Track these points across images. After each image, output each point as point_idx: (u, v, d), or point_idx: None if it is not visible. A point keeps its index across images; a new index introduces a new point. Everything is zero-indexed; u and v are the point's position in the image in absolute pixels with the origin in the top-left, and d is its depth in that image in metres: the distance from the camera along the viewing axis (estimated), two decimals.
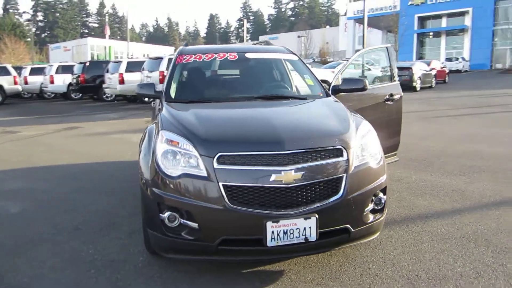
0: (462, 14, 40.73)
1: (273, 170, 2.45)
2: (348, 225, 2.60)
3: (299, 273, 2.78)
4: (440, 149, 6.75)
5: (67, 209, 4.21)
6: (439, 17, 42.59)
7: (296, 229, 2.45)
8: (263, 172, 2.46)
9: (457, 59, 36.58)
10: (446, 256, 2.95)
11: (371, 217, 2.73)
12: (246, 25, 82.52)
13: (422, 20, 43.57)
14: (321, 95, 3.73)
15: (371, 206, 2.72)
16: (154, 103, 4.64)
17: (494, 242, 3.15)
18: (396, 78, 4.59)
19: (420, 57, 41.40)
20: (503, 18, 38.30)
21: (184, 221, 2.53)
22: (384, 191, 2.81)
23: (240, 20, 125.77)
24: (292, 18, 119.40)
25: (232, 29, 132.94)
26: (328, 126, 2.90)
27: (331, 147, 2.62)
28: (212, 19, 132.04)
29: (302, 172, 2.48)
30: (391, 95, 4.47)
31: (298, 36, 64.54)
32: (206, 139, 2.61)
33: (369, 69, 21.26)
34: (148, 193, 2.69)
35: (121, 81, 15.40)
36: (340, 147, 2.63)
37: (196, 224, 2.49)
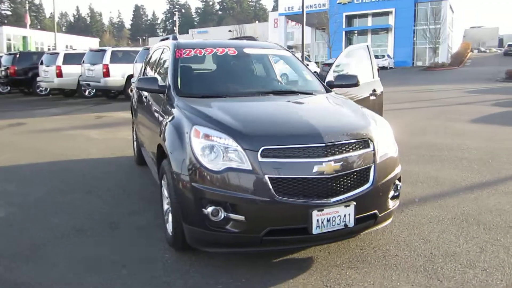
0: (386, 14, 43.66)
1: (315, 161, 2.60)
2: (376, 211, 2.83)
3: (327, 258, 2.95)
4: (397, 141, 7.28)
5: (57, 211, 3.98)
6: (365, 16, 45.23)
7: (338, 216, 2.63)
8: (306, 164, 2.60)
9: (383, 56, 39.05)
10: (449, 235, 3.31)
11: (391, 203, 3.00)
12: (176, 18, 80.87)
13: (350, 19, 45.93)
14: (322, 90, 3.93)
15: (392, 193, 2.98)
16: (145, 97, 4.49)
17: (482, 221, 3.58)
18: (376, 75, 4.94)
19: None
20: (422, 19, 41.69)
21: (229, 214, 2.59)
22: (399, 179, 3.09)
23: (168, 12, 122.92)
24: (220, 13, 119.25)
25: (159, 21, 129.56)
26: (353, 120, 3.10)
27: (360, 139, 2.83)
28: (138, 11, 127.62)
29: (340, 163, 2.66)
30: (374, 90, 4.81)
31: (229, 31, 64.64)
32: (249, 134, 2.67)
33: (307, 65, 22.06)
34: (186, 189, 2.69)
35: (59, 74, 14.50)
36: (368, 139, 2.85)
37: (243, 217, 2.56)
